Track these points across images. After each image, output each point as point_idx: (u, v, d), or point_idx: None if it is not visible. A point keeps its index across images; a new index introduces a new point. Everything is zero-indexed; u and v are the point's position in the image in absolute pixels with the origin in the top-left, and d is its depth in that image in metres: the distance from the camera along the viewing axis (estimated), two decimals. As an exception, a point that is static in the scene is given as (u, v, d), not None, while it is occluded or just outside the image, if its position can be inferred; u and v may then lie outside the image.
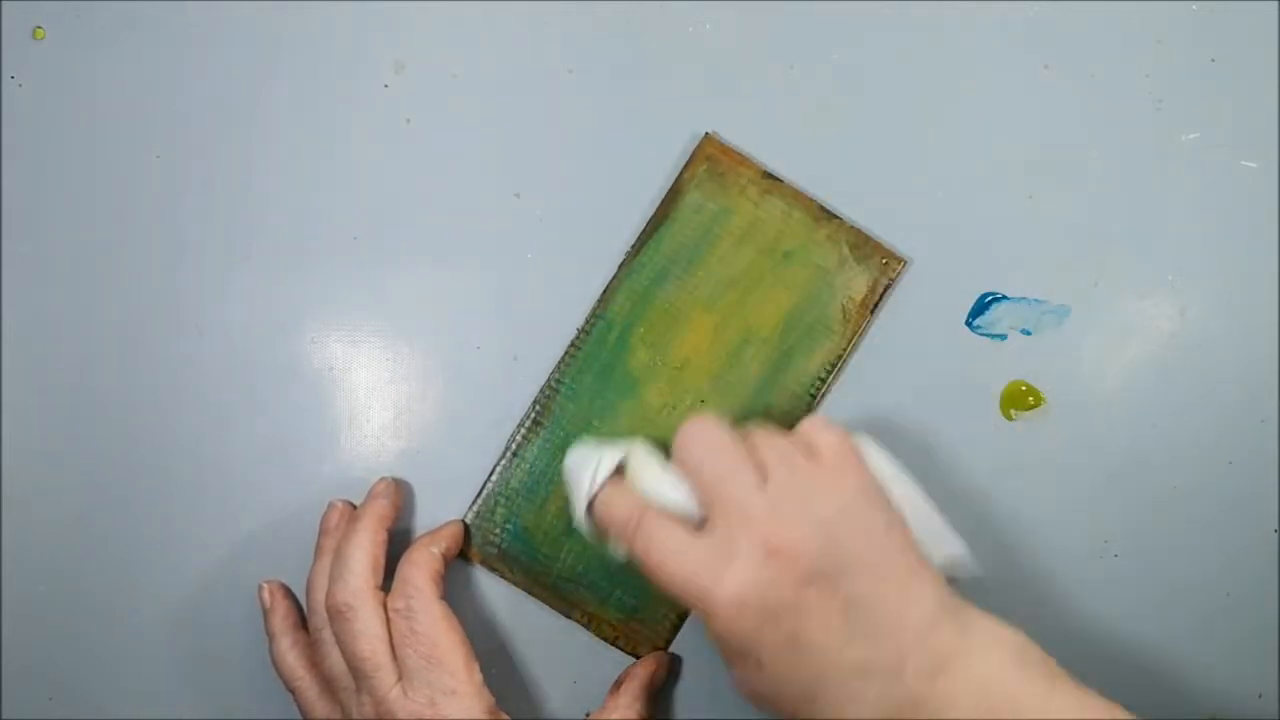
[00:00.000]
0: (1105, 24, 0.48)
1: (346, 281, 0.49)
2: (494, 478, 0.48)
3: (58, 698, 0.48)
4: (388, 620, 0.43)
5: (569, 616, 0.47)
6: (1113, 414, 0.47)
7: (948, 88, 0.48)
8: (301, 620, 0.47)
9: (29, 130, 0.49)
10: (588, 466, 0.43)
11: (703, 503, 0.40)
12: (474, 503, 0.48)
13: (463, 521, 0.47)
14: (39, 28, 0.49)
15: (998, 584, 0.46)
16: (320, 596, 0.45)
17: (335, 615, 0.43)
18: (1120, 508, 0.47)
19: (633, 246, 0.48)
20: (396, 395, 0.48)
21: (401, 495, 0.47)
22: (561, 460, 0.47)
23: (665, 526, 0.40)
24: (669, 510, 0.41)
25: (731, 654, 0.40)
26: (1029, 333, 0.48)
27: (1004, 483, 0.47)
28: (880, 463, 0.42)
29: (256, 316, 0.48)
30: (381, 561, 0.45)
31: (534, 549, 0.47)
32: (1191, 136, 0.48)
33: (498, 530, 0.47)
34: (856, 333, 0.47)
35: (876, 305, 0.47)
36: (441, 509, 0.48)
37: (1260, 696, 0.47)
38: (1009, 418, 0.47)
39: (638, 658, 0.47)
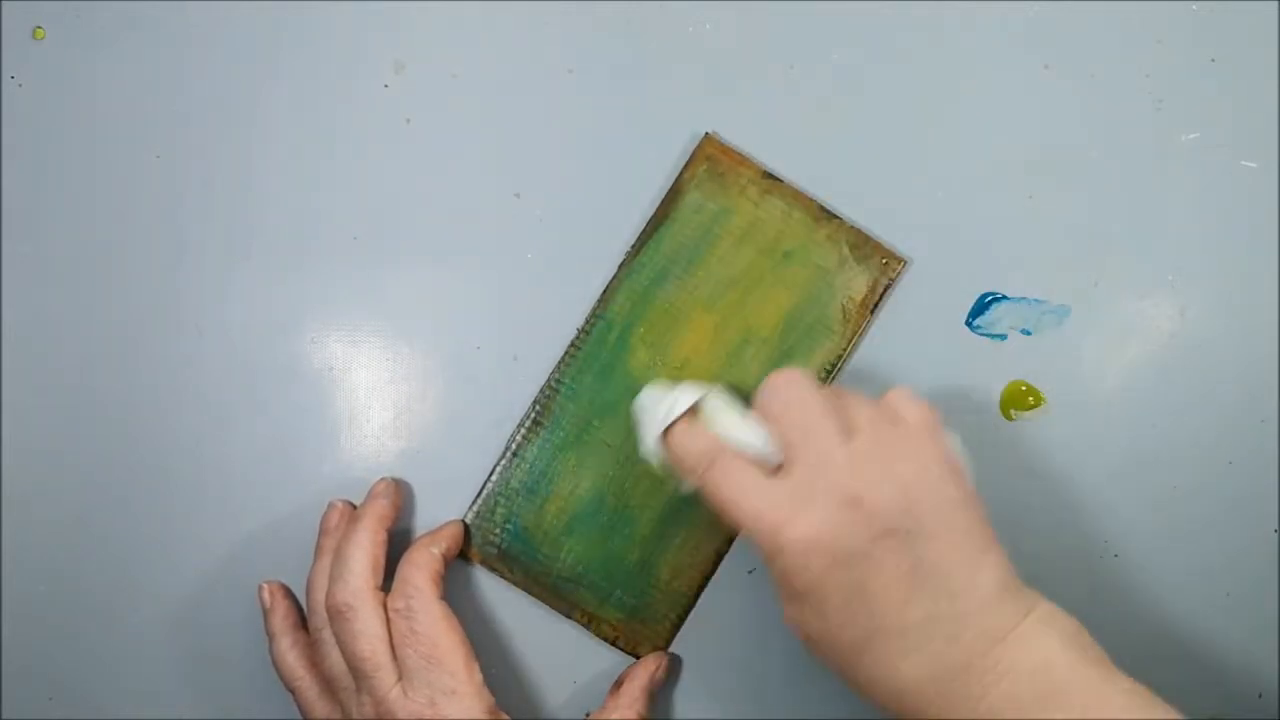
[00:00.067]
0: (1105, 24, 0.48)
1: (346, 281, 0.49)
2: (494, 478, 0.48)
3: (58, 698, 0.48)
4: (388, 620, 0.43)
5: (569, 616, 0.47)
6: (1113, 414, 0.47)
7: (948, 88, 0.48)
8: (301, 620, 0.47)
9: (29, 130, 0.49)
10: (663, 401, 0.43)
11: (784, 450, 0.41)
12: (474, 503, 0.48)
13: (463, 521, 0.47)
14: (39, 28, 0.49)
15: (998, 584, 0.47)
16: (320, 596, 0.45)
17: (335, 615, 0.43)
18: (1120, 508, 0.47)
19: (633, 246, 0.48)
20: (396, 395, 0.48)
21: (401, 495, 0.47)
22: (561, 460, 0.47)
23: (741, 465, 0.41)
24: (745, 453, 0.41)
25: (791, 594, 0.40)
26: (1029, 333, 0.48)
27: (1004, 483, 0.47)
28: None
29: (256, 316, 0.48)
30: (381, 561, 0.45)
31: (534, 549, 0.47)
32: (1191, 136, 0.48)
33: (498, 530, 0.47)
34: (856, 333, 0.47)
35: (876, 305, 0.47)
36: (441, 509, 0.48)
37: (1260, 696, 0.47)
38: (1009, 418, 0.47)
39: (638, 658, 0.47)
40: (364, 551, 0.44)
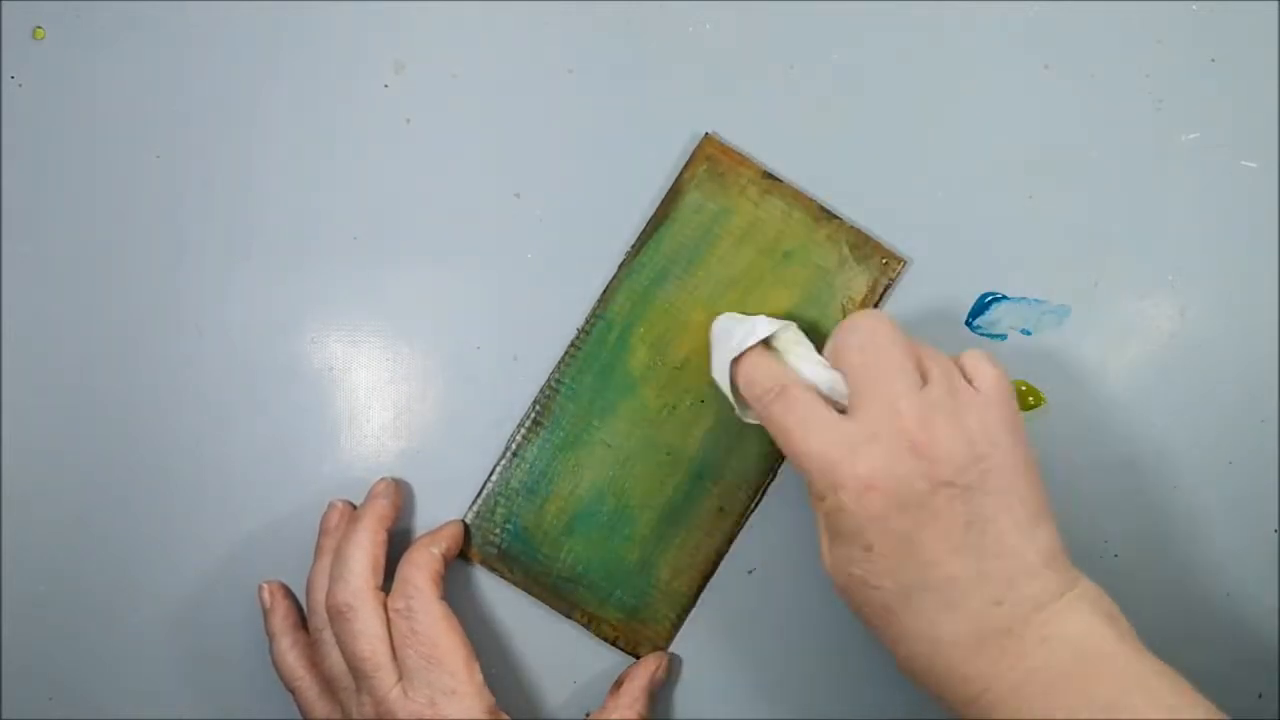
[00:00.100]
0: (1105, 24, 0.48)
1: (346, 281, 0.49)
2: (494, 478, 0.48)
3: (58, 698, 0.48)
4: (388, 620, 0.43)
5: (569, 616, 0.47)
6: (1113, 414, 0.47)
7: (948, 88, 0.48)
8: (301, 620, 0.47)
9: (29, 130, 0.49)
10: (740, 326, 0.43)
11: (854, 390, 0.40)
12: (474, 503, 0.48)
13: (463, 521, 0.47)
14: (39, 28, 0.49)
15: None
16: (320, 596, 0.45)
17: (335, 615, 0.43)
18: (1120, 508, 0.47)
19: (633, 246, 0.48)
20: (396, 395, 0.48)
21: (401, 495, 0.47)
22: (561, 460, 0.47)
23: (809, 399, 0.40)
24: (813, 388, 0.41)
25: (838, 534, 0.40)
26: (1029, 333, 0.48)
27: (1004, 483, 0.47)
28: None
29: (256, 316, 0.48)
30: (381, 562, 0.45)
31: (534, 549, 0.47)
32: (1191, 136, 0.48)
33: (498, 530, 0.47)
34: (856, 333, 0.47)
35: (876, 305, 0.47)
36: (441, 509, 0.48)
37: (1260, 696, 0.47)
38: (1009, 418, 0.47)
39: (638, 658, 0.47)
40: (364, 551, 0.44)
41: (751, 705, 0.47)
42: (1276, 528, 0.47)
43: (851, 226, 0.47)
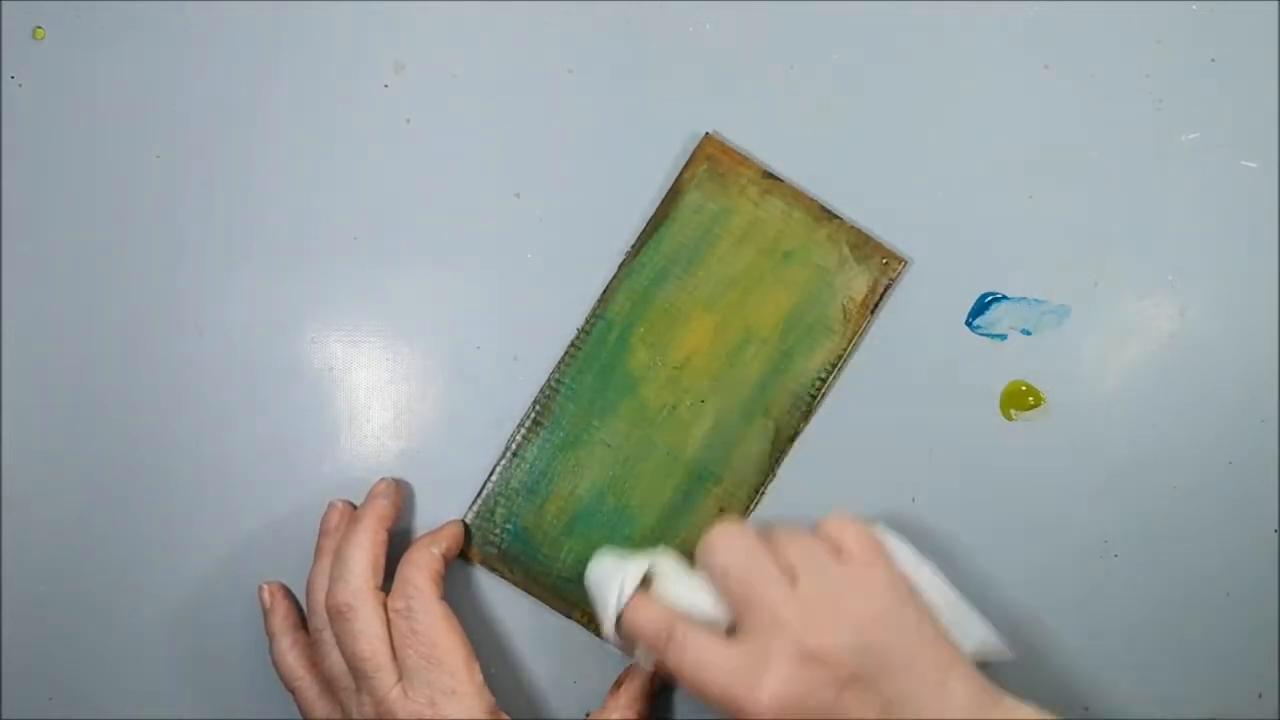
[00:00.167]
0: (1105, 24, 0.48)
1: (346, 281, 0.49)
2: (494, 478, 0.48)
3: (58, 698, 0.48)
4: (388, 621, 0.43)
5: (569, 616, 0.47)
6: (1113, 414, 0.47)
7: (948, 88, 0.48)
8: (301, 620, 0.47)
9: (29, 130, 0.49)
10: (613, 579, 0.43)
11: (733, 609, 0.40)
12: (474, 503, 0.48)
13: (463, 521, 0.47)
14: (39, 28, 0.49)
15: (998, 584, 0.47)
16: (320, 597, 0.45)
17: (335, 615, 0.43)
18: (1120, 508, 0.47)
19: (633, 246, 0.48)
20: (396, 395, 0.48)
21: (402, 495, 0.47)
22: (561, 460, 0.47)
23: (697, 636, 0.40)
24: (699, 618, 0.41)
25: None
26: (1029, 333, 0.48)
27: (1004, 483, 0.47)
28: (903, 554, 0.43)
29: (256, 316, 0.48)
30: (382, 562, 0.45)
31: (534, 549, 0.47)
32: (1191, 136, 0.48)
33: (498, 530, 0.47)
34: (856, 333, 0.47)
35: (876, 305, 0.47)
36: (441, 509, 0.48)
37: (1260, 696, 0.47)
38: (1009, 418, 0.47)
39: (638, 658, 0.47)
40: (364, 552, 0.44)
41: None
42: (1276, 528, 0.47)
43: (851, 226, 0.47)
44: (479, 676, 0.43)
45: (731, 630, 0.41)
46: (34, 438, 0.48)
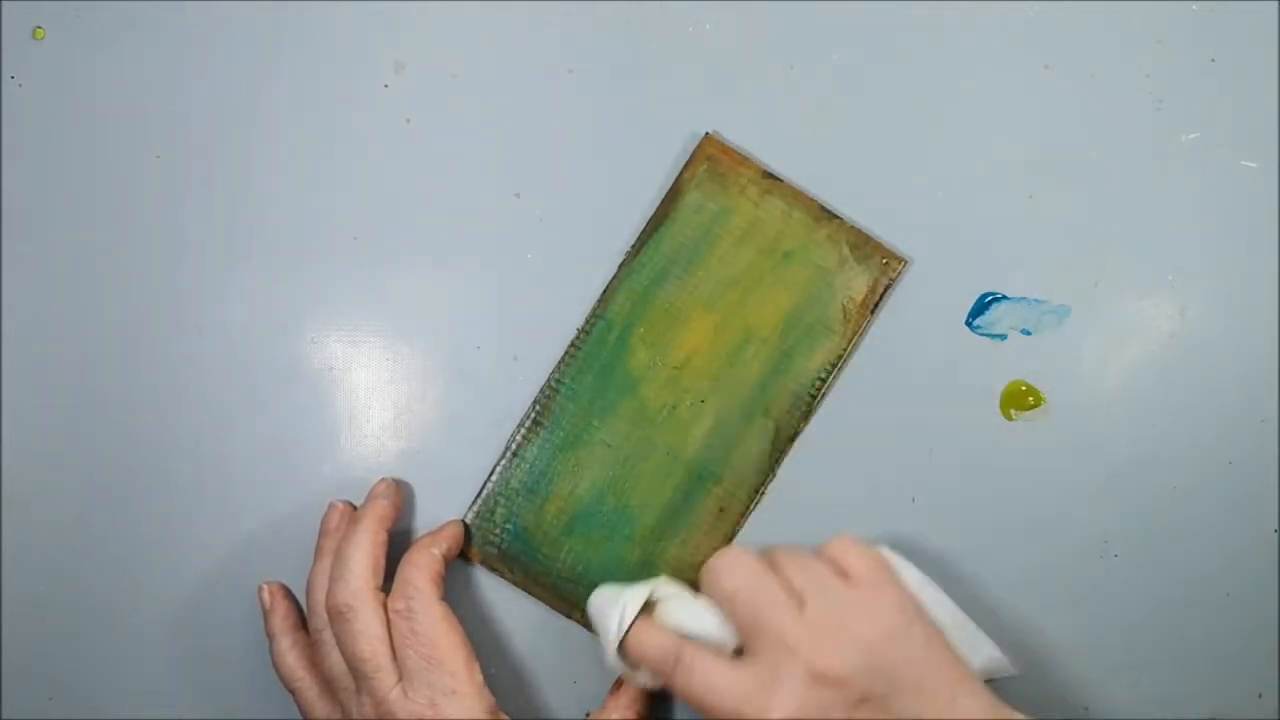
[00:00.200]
0: (1105, 24, 0.48)
1: (346, 281, 0.49)
2: (494, 478, 0.48)
3: (58, 698, 0.48)
4: (388, 621, 0.43)
5: (569, 616, 0.47)
6: (1113, 414, 0.47)
7: (948, 88, 0.48)
8: (301, 621, 0.47)
9: (29, 130, 0.49)
10: (614, 606, 0.43)
11: (740, 633, 0.40)
12: (474, 503, 0.48)
13: (463, 521, 0.47)
14: (39, 28, 0.49)
15: (998, 585, 0.47)
16: (320, 597, 0.45)
17: (335, 616, 0.43)
18: (1120, 508, 0.47)
19: (633, 246, 0.48)
20: (396, 395, 0.48)
21: (402, 496, 0.47)
22: (561, 460, 0.47)
23: (706, 659, 0.40)
24: (704, 642, 0.41)
25: None
26: (1029, 333, 0.48)
27: (1004, 483, 0.47)
28: (908, 574, 0.43)
29: (256, 316, 0.48)
30: (382, 562, 0.45)
31: (534, 549, 0.47)
32: (1191, 136, 0.48)
33: (498, 530, 0.47)
34: (856, 333, 0.47)
35: (876, 305, 0.47)
36: (441, 509, 0.48)
37: (1260, 696, 0.47)
38: (1009, 418, 0.47)
39: (638, 658, 0.47)
40: (364, 552, 0.44)
41: None
42: (1276, 528, 0.47)
43: (851, 226, 0.47)
44: (479, 676, 0.43)
45: (738, 653, 0.41)
46: (34, 438, 0.48)
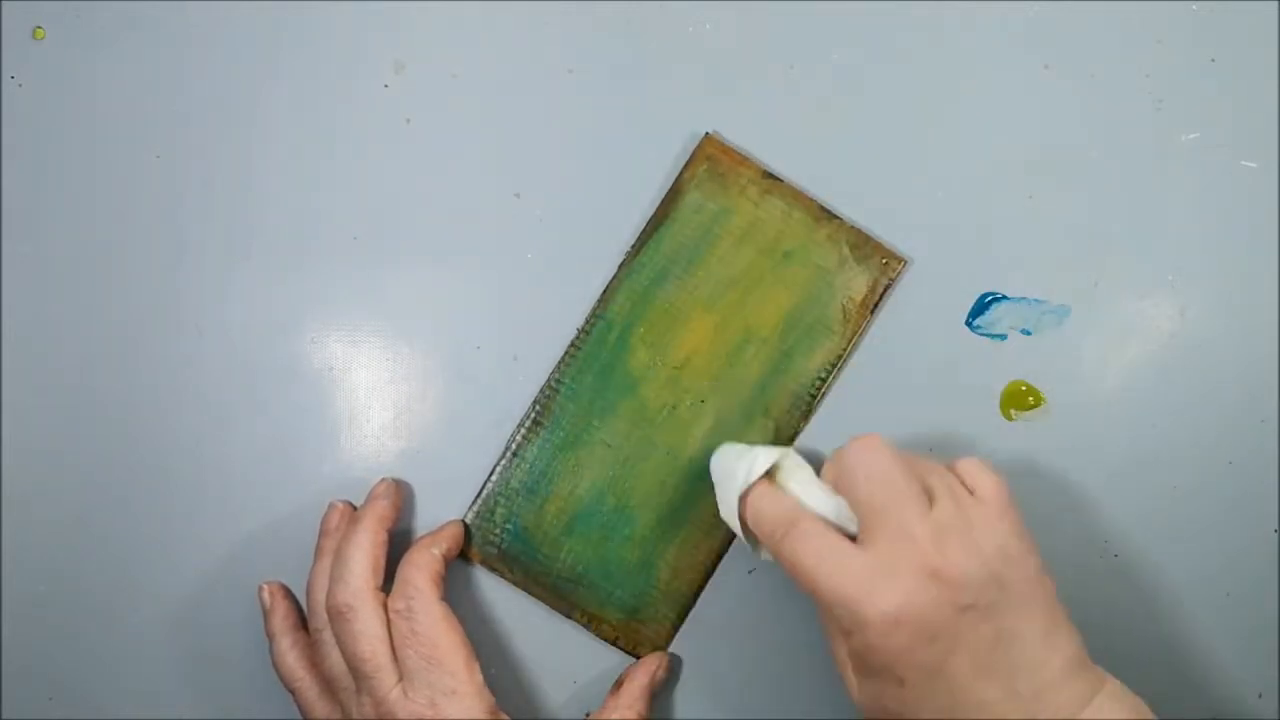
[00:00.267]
0: (1105, 24, 0.48)
1: (346, 281, 0.49)
2: (494, 478, 0.48)
3: (58, 698, 0.48)
4: (388, 621, 0.43)
5: (569, 616, 0.47)
6: (1113, 414, 0.47)
7: (948, 88, 0.48)
8: (301, 621, 0.47)
9: (29, 130, 0.49)
10: (740, 462, 0.42)
11: (864, 520, 0.40)
12: (474, 503, 0.48)
13: (463, 521, 0.47)
14: (39, 28, 0.49)
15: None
16: (320, 597, 0.45)
17: (335, 616, 0.43)
18: (1120, 508, 0.47)
19: (633, 246, 0.48)
20: (396, 395, 0.48)
21: (402, 496, 0.47)
22: (561, 460, 0.47)
23: (820, 532, 0.40)
24: (821, 518, 0.41)
25: (870, 670, 0.39)
26: (1029, 333, 0.48)
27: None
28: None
29: (256, 316, 0.48)
30: (382, 562, 0.45)
31: (534, 549, 0.47)
32: (1191, 136, 0.48)
33: (498, 530, 0.47)
34: (856, 333, 0.47)
35: (876, 305, 0.47)
36: (441, 509, 0.48)
37: (1260, 696, 0.47)
38: (1009, 418, 0.47)
39: (638, 658, 0.47)
40: (364, 552, 0.44)
41: (751, 705, 0.47)
42: (1276, 528, 0.47)
43: (851, 226, 0.47)
44: (479, 676, 0.43)
45: (854, 541, 0.40)
46: (34, 438, 0.48)
